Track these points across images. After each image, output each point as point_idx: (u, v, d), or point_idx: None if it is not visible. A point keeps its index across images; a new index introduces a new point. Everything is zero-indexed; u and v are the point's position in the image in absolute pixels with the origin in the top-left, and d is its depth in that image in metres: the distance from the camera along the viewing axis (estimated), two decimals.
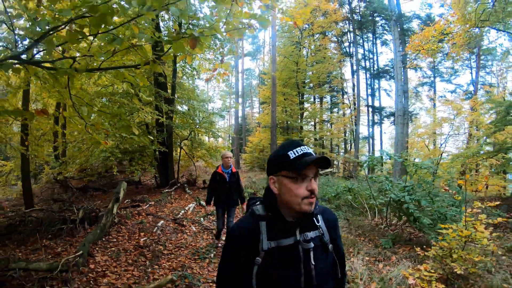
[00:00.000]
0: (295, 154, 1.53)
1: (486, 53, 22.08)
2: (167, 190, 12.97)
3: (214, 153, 15.75)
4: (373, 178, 9.48)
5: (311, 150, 1.57)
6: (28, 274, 4.85)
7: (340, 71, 28.30)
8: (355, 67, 26.93)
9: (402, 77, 17.27)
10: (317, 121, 28.67)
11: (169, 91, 13.72)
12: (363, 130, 30.36)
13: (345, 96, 30.05)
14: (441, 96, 25.19)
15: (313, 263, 1.56)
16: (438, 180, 10.44)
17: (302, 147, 1.55)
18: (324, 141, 28.94)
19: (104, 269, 5.50)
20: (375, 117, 28.94)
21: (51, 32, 3.09)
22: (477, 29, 11.79)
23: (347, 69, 29.66)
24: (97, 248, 6.51)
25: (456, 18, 11.62)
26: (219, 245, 6.99)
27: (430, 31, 12.62)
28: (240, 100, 33.55)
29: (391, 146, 31.44)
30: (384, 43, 28.42)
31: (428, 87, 27.23)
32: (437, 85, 27.26)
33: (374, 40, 28.73)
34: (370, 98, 29.31)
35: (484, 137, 13.86)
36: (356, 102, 26.41)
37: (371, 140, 29.31)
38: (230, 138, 31.31)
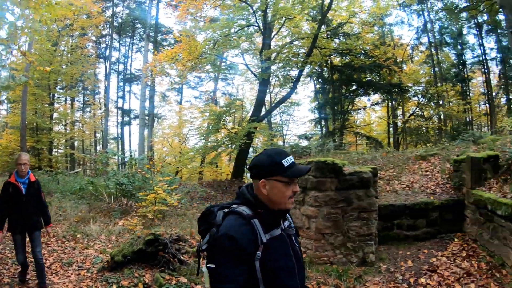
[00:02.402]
0: (287, 163, 1.88)
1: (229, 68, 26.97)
2: None
3: None
4: (108, 172, 12.10)
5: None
6: None
7: (94, 72, 29.06)
8: (108, 70, 28.30)
9: (149, 83, 19.71)
10: (68, 122, 28.47)
11: None
12: (114, 131, 31.95)
13: (97, 97, 30.99)
14: (188, 101, 29.93)
15: (296, 244, 2.00)
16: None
17: (291, 157, 1.95)
18: (76, 142, 29.02)
19: None
20: (125, 118, 30.86)
21: None
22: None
23: (101, 71, 30.71)
24: None
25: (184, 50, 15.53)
26: None
27: (169, 53, 16.06)
28: None
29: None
30: (139, 49, 30.81)
31: (176, 92, 31.02)
32: (185, 91, 31.97)
33: (131, 46, 30.82)
34: (121, 100, 31.15)
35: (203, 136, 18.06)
36: (106, 104, 27.84)
37: (120, 140, 30.93)
38: None
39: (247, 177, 23.48)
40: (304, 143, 22.19)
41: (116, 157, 20.25)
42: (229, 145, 16.72)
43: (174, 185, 10.82)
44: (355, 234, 6.30)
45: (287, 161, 1.90)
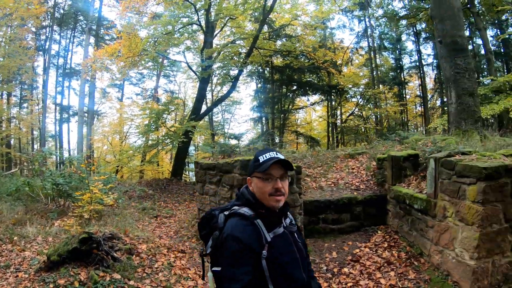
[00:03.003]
0: (263, 158, 1.92)
1: (172, 64, 26.67)
2: None
3: None
4: (45, 172, 11.84)
5: (280, 155, 1.95)
6: None
7: (32, 65, 27.72)
8: (47, 64, 27.13)
9: (89, 78, 19.23)
10: (4, 118, 27.01)
11: None
12: (52, 128, 30.71)
13: (35, 92, 29.60)
14: (129, 98, 29.54)
15: (299, 240, 2.06)
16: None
17: (271, 153, 1.96)
18: (12, 140, 27.64)
19: None
20: (64, 115, 29.69)
21: None
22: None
23: (40, 64, 29.29)
24: None
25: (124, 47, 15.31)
26: None
27: (108, 49, 15.79)
28: None
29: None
30: (81, 43, 29.72)
31: (117, 88, 30.26)
32: (126, 88, 31.08)
33: (72, 39, 29.65)
34: (59, 96, 29.91)
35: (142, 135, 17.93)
36: (43, 100, 26.71)
37: (58, 138, 29.73)
38: None
39: (189, 176, 23.67)
40: (244, 142, 22.58)
41: (53, 156, 19.60)
42: (168, 144, 16.70)
43: (110, 184, 10.90)
44: None
45: (264, 156, 1.95)
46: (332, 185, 8.70)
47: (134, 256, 6.03)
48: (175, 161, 18.34)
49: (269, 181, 1.91)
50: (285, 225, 2.00)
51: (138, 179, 20.36)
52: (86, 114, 22.98)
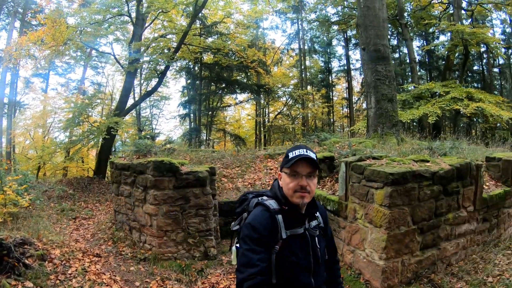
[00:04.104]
0: (293, 155, 1.99)
1: (100, 56, 25.66)
2: None
3: None
4: None
5: (310, 153, 2.01)
6: None
7: None
8: None
9: (11, 66, 18.11)
10: None
11: None
12: None
13: None
14: (54, 89, 27.73)
15: (318, 246, 2.10)
16: None
17: (301, 149, 2.01)
18: None
19: None
20: None
21: None
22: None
23: None
24: None
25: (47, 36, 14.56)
26: None
27: (31, 37, 15.09)
28: None
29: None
30: (5, 27, 27.45)
31: (42, 78, 28.47)
32: (52, 78, 29.50)
33: None
34: None
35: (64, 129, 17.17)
36: None
37: None
38: None
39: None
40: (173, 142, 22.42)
41: None
42: (91, 140, 16.07)
43: (25, 184, 10.24)
44: (195, 230, 6.73)
45: (294, 153, 2.00)
46: (249, 186, 8.91)
47: (47, 262, 5.87)
48: (98, 158, 17.70)
49: (295, 177, 1.98)
50: (307, 227, 2.06)
51: (61, 176, 19.42)
52: (6, 106, 21.50)
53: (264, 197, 2.11)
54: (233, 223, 2.27)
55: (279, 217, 1.97)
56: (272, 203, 2.02)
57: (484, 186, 6.51)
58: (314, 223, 2.11)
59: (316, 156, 2.03)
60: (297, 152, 1.99)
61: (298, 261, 1.97)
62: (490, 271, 5.30)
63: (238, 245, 2.08)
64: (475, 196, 5.99)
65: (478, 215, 6.10)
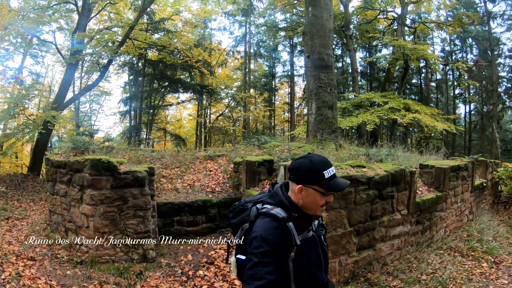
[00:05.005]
0: (328, 174, 1.97)
1: (41, 44, 24.27)
2: None
3: None
4: None
5: (334, 169, 2.05)
6: None
7: None
8: None
9: None
10: None
11: None
12: None
13: None
14: None
15: (324, 243, 2.20)
16: None
17: (332, 168, 2.02)
18: None
19: None
20: None
21: None
22: None
23: None
24: None
25: None
26: None
27: None
28: None
29: None
30: None
31: None
32: None
33: None
34: None
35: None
36: None
37: None
38: None
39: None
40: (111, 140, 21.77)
41: None
42: (26, 134, 15.17)
43: None
44: (133, 231, 6.48)
45: (329, 172, 1.96)
46: (188, 187, 8.79)
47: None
48: (33, 154, 16.87)
49: (326, 195, 1.99)
50: (314, 228, 2.10)
51: None
52: None
53: (268, 206, 2.05)
54: (230, 234, 2.30)
55: (290, 224, 1.95)
56: (279, 211, 1.99)
57: (417, 191, 6.95)
58: (316, 222, 2.17)
59: None
60: (331, 171, 1.99)
61: (314, 262, 2.03)
62: (424, 269, 5.75)
63: (238, 256, 2.07)
64: (409, 200, 6.34)
65: (411, 218, 6.48)
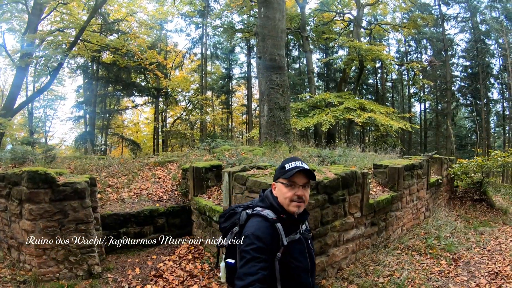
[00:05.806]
0: (289, 166, 2.14)
1: None
2: None
3: None
4: None
5: (304, 165, 2.18)
6: None
7: None
8: None
9: None
10: None
11: None
12: None
13: None
14: None
15: (312, 247, 2.30)
16: None
17: (297, 162, 2.17)
18: None
19: None
20: None
21: None
22: None
23: None
24: None
25: None
26: None
27: None
28: None
29: None
30: None
31: None
32: None
33: None
34: None
35: None
36: None
37: None
38: None
39: None
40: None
41: None
42: None
43: None
44: (76, 247, 6.12)
45: (290, 165, 2.14)
46: (135, 196, 8.43)
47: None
48: None
49: (292, 187, 2.12)
50: (301, 231, 2.22)
51: None
52: None
53: (258, 208, 2.19)
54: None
55: (279, 225, 2.08)
56: (268, 213, 2.12)
57: (371, 192, 6.96)
58: (304, 227, 2.28)
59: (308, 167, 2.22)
60: (293, 164, 2.14)
61: (300, 264, 2.12)
62: (381, 272, 5.70)
63: (228, 260, 2.18)
64: (362, 202, 6.24)
65: (365, 220, 6.39)
